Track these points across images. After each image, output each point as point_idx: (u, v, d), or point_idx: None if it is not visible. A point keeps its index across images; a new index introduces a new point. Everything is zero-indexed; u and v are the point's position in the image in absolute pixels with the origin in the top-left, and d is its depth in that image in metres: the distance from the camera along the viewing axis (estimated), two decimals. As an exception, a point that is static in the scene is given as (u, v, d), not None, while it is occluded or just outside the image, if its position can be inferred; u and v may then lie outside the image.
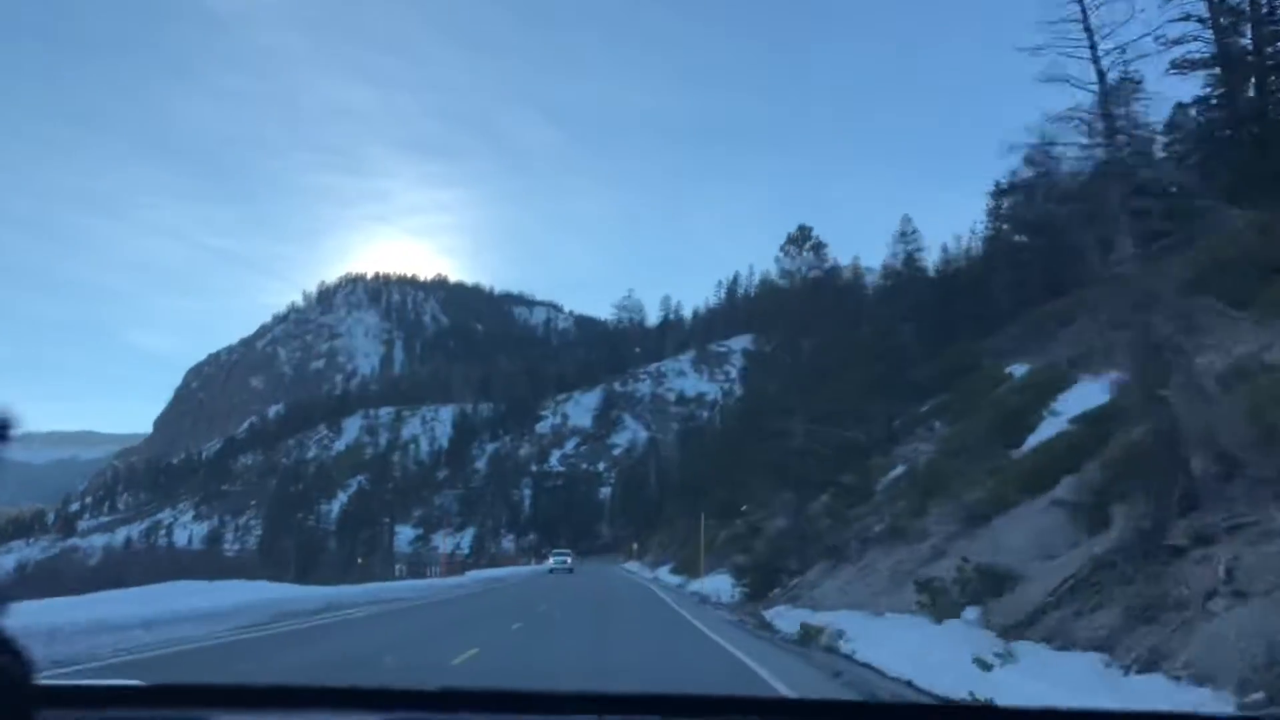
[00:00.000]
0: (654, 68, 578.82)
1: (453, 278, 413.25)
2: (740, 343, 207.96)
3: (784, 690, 9.97)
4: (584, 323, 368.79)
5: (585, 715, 2.02)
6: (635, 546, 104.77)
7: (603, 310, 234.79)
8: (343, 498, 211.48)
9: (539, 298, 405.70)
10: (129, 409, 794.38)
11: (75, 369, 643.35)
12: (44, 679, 1.55)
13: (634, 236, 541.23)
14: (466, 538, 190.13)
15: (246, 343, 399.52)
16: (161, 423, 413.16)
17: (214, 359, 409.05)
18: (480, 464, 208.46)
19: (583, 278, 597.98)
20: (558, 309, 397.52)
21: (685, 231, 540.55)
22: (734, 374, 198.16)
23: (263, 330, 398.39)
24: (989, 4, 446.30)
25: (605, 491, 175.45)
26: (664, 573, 54.20)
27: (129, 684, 1.87)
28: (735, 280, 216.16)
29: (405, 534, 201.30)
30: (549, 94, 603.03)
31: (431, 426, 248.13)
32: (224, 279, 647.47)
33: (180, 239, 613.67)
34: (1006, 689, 8.36)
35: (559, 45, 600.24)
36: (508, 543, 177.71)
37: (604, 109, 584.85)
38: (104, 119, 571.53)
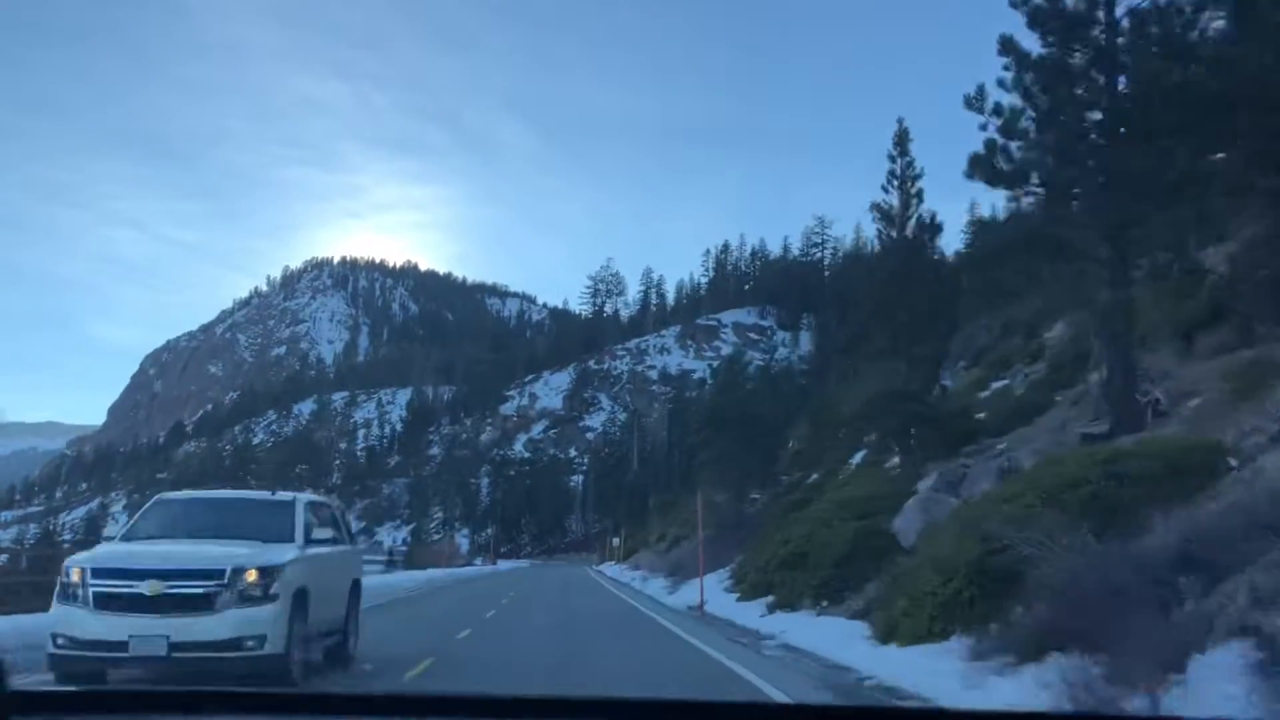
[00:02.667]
0: (629, 66, 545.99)
1: (424, 266, 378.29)
2: (733, 316, 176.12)
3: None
4: (559, 315, 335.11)
5: None
6: (616, 543, 72.01)
7: (579, 306, 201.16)
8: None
9: (513, 289, 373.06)
10: (91, 400, 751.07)
11: (37, 360, 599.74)
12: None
13: (610, 236, 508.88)
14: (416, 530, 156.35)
15: (206, 329, 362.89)
16: (116, 411, 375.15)
17: (172, 346, 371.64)
18: (436, 450, 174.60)
19: (559, 277, 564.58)
20: (531, 301, 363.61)
21: (662, 232, 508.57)
22: (726, 350, 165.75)
23: (223, 316, 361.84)
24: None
25: (576, 480, 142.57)
26: (725, 598, 20.80)
27: (104, 689, 1.67)
28: (726, 250, 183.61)
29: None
30: (523, 92, 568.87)
31: (388, 411, 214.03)
32: (190, 272, 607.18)
33: (145, 230, 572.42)
34: None
35: (534, 43, 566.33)
36: (462, 537, 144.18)
37: (579, 107, 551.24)
38: (65, 107, 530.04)
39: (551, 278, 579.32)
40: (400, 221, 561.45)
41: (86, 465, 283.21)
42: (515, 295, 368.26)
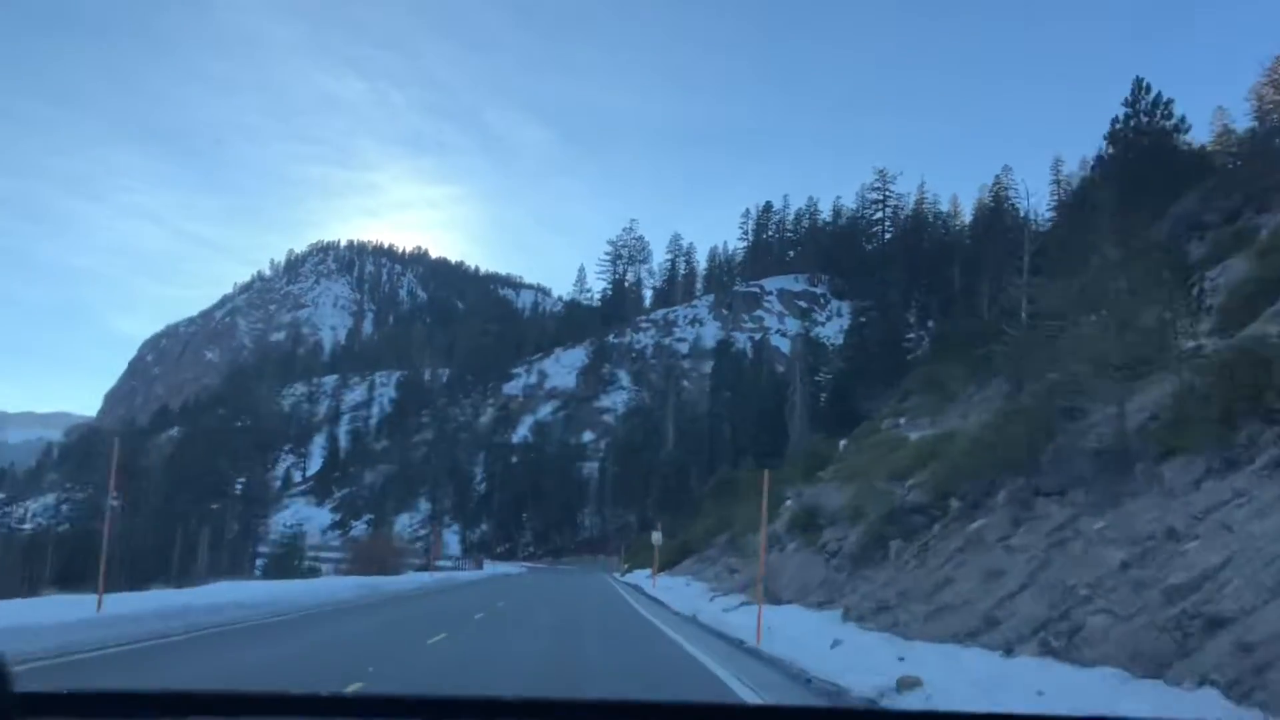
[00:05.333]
0: (648, 69, 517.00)
1: (434, 254, 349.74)
2: (778, 283, 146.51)
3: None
4: (575, 308, 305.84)
5: None
6: (657, 539, 42.36)
7: (597, 279, 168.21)
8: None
9: (527, 281, 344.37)
10: (100, 390, 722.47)
11: (50, 351, 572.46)
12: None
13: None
14: (399, 524, 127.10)
15: (206, 314, 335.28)
16: (113, 398, 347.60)
17: (171, 331, 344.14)
18: (429, 434, 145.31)
19: (575, 277, 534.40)
20: (546, 293, 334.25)
21: (687, 230, 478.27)
22: (769, 320, 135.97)
23: (224, 300, 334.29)
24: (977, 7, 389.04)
25: (591, 469, 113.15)
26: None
27: (109, 690, 1.70)
28: (768, 211, 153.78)
29: (321, 519, 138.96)
30: (541, 93, 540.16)
31: (380, 394, 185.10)
32: (205, 266, 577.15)
33: (160, 224, 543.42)
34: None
35: (552, 44, 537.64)
36: (451, 534, 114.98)
37: (595, 110, 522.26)
38: (83, 99, 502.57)
39: (568, 280, 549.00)
40: (415, 220, 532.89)
41: (71, 454, 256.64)
42: (530, 287, 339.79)
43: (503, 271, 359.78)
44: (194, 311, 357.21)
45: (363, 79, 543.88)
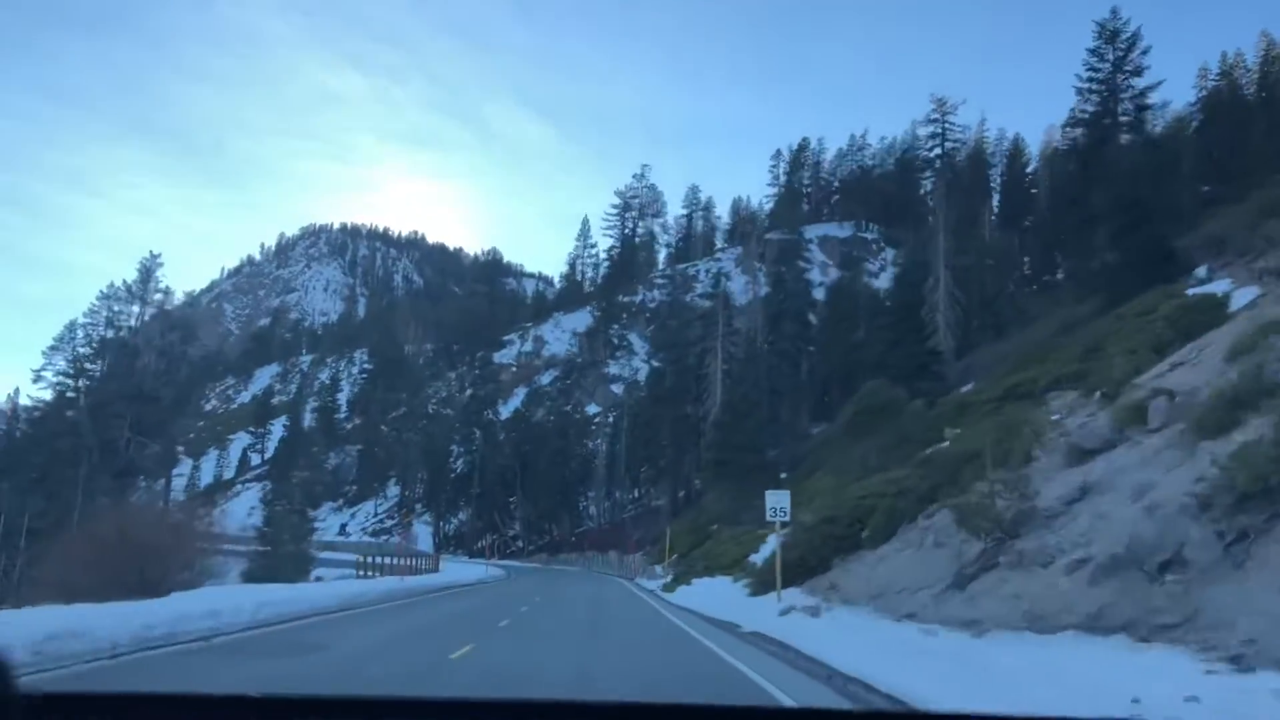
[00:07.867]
0: (649, 65, 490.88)
1: (431, 239, 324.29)
2: (820, 230, 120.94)
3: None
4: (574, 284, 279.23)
5: None
6: (779, 525, 16.81)
7: (604, 234, 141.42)
8: (189, 462, 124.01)
9: (529, 270, 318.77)
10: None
11: (43, 346, 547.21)
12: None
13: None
14: (362, 513, 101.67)
15: (193, 299, 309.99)
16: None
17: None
18: (405, 410, 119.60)
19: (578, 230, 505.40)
20: (549, 282, 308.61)
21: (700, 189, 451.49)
22: (812, 273, 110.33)
23: (212, 285, 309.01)
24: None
25: (597, 445, 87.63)
26: None
27: (115, 692, 1.65)
28: (802, 151, 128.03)
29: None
30: (542, 89, 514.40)
31: (359, 370, 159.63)
32: (201, 260, 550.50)
33: (157, 218, 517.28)
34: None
35: (552, 40, 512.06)
36: (422, 525, 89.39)
37: (596, 105, 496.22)
38: (82, 94, 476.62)
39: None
40: (416, 217, 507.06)
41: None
42: (531, 276, 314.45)
43: (504, 260, 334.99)
44: (180, 299, 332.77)
45: (363, 74, 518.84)
